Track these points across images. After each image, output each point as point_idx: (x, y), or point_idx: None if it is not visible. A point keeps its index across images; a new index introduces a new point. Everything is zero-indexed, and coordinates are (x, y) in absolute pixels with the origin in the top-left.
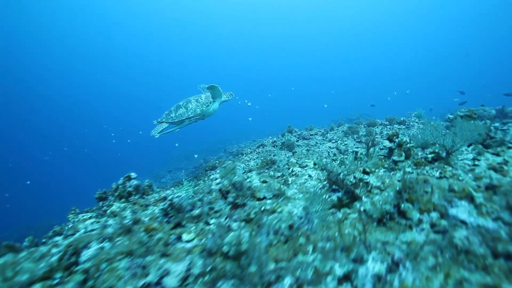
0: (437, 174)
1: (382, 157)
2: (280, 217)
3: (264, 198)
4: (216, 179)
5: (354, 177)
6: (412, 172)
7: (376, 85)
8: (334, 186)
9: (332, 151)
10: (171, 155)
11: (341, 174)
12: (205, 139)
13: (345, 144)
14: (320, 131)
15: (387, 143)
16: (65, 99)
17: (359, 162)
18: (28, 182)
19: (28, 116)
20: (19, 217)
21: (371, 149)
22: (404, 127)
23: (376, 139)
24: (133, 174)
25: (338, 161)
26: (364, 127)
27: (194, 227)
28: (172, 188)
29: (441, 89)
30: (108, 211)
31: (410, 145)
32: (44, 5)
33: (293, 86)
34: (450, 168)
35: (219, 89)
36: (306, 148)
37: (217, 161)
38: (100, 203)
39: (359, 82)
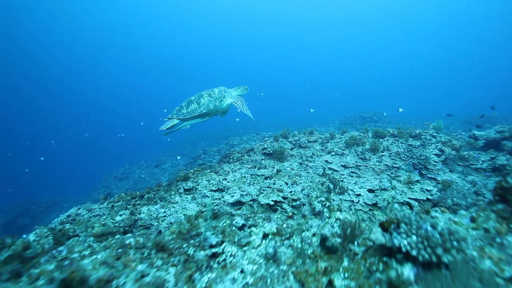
0: None
1: (371, 244)
2: None
3: None
4: None
5: None
6: None
7: (394, 80)
8: None
9: (325, 172)
10: (176, 140)
11: None
12: (212, 125)
13: (323, 198)
14: (321, 138)
15: (378, 235)
16: (79, 90)
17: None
18: (42, 158)
19: (45, 103)
20: (26, 191)
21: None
22: (419, 143)
23: (361, 225)
24: None
25: (295, 249)
26: (371, 136)
27: None
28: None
29: (461, 89)
30: None
31: None
32: None
33: (308, 85)
34: None
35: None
36: (299, 161)
37: (191, 171)
38: None
39: (376, 77)
